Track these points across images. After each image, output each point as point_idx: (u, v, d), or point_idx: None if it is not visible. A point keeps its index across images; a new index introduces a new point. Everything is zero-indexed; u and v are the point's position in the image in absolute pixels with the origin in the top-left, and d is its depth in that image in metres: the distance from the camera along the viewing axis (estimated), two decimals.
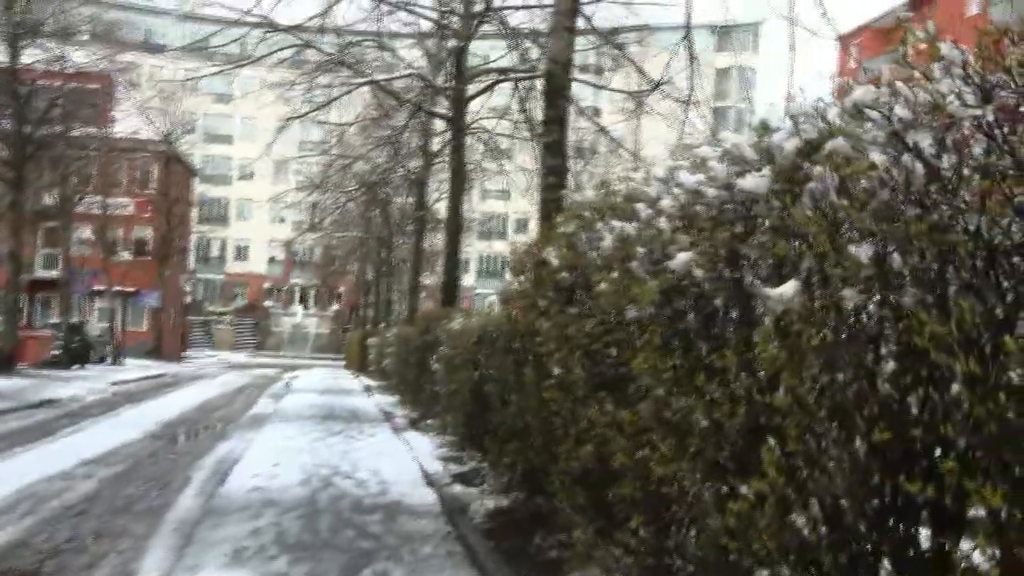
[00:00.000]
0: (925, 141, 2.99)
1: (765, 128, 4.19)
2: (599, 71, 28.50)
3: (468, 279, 75.78)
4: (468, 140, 29.83)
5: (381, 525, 10.26)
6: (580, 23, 19.01)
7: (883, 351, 3.22)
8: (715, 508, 4.46)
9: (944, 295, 2.90)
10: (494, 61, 29.45)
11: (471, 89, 27.35)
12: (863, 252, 3.15)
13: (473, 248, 77.35)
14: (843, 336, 3.32)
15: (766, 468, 3.73)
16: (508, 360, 10.08)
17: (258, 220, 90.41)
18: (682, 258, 4.61)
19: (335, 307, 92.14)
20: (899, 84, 3.16)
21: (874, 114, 3.17)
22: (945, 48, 3.00)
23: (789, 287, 3.52)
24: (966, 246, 2.81)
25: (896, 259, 3.06)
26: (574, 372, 6.85)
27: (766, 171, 3.97)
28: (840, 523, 3.47)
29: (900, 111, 3.14)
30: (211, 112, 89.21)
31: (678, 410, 4.91)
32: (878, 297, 3.14)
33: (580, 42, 22.52)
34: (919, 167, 3.01)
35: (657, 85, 18.89)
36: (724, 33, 47.50)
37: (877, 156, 3.08)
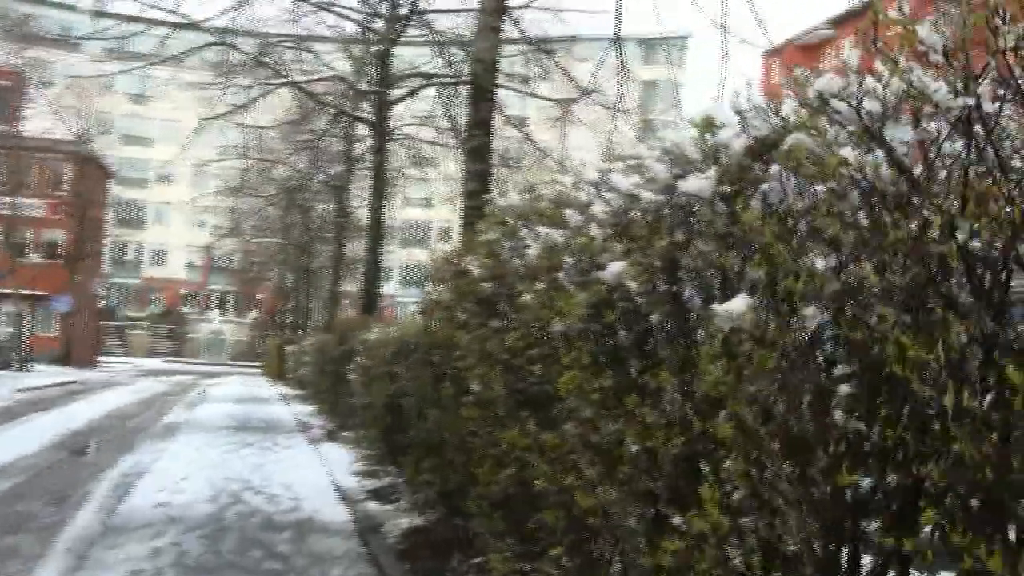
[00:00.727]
0: (904, 136, 2.60)
1: (709, 125, 3.77)
2: (526, 80, 28.21)
3: (390, 287, 75.24)
4: (391, 146, 29.37)
5: (290, 544, 9.75)
6: (510, 29, 18.74)
7: (850, 379, 2.81)
8: (647, 545, 4.04)
9: (928, 314, 2.50)
10: (420, 67, 28.97)
11: (395, 94, 26.88)
12: (827, 263, 2.74)
13: (396, 256, 76.60)
14: (802, 360, 2.90)
15: (706, 505, 3.33)
16: (426, 374, 9.62)
17: (176, 224, 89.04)
18: (614, 268, 4.19)
19: (254, 314, 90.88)
20: (869, 74, 2.76)
21: (841, 106, 2.77)
22: (923, 31, 2.61)
23: (739, 302, 3.11)
24: (955, 257, 2.40)
25: (866, 271, 2.65)
26: (494, 389, 6.40)
27: (711, 172, 3.57)
28: (793, 571, 3.06)
29: (870, 104, 2.74)
30: (129, 113, 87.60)
31: (607, 434, 4.49)
32: (846, 316, 2.72)
33: (508, 50, 22.31)
34: (895, 166, 2.61)
35: (585, 92, 18.60)
36: (651, 47, 47.67)
37: (849, 153, 2.68)
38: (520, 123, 28.03)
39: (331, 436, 20.26)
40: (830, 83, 2.80)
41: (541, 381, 5.56)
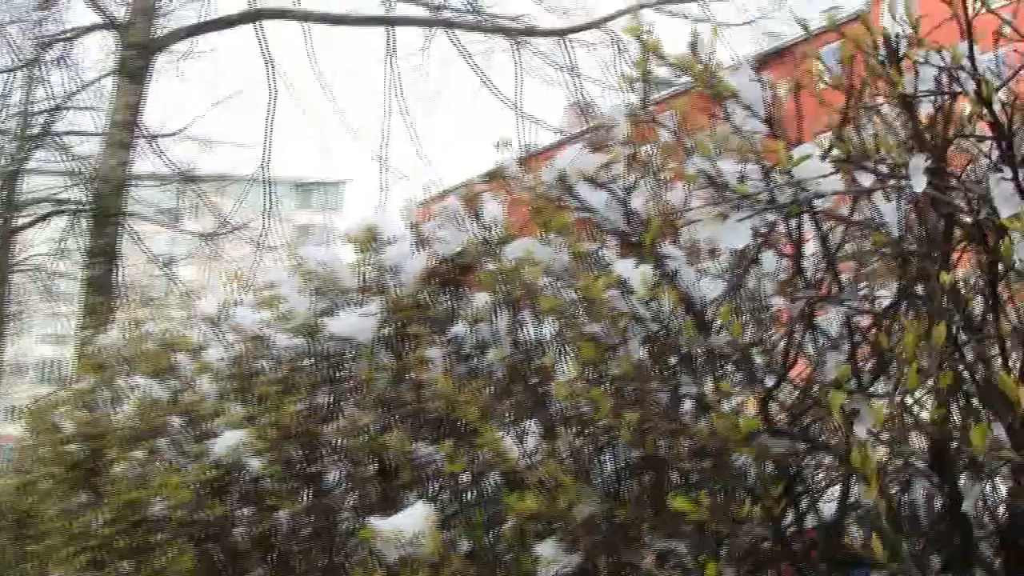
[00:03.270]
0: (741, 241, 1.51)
1: (370, 239, 2.60)
2: (178, 216, 26.61)
3: (19, 428, 69.61)
4: (17, 278, 26.75)
5: None
6: (154, 160, 17.36)
7: None
8: None
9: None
10: (57, 193, 26.61)
11: (23, 221, 24.55)
12: (572, 457, 1.60)
13: (27, 394, 71.01)
14: None
15: None
16: (13, 547, 7.83)
17: None
18: (229, 440, 2.92)
19: None
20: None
21: (600, 198, 1.65)
22: (738, 80, 1.57)
23: (414, 515, 1.90)
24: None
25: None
26: None
27: (373, 307, 2.39)
28: None
29: (640, 200, 1.65)
30: None
31: None
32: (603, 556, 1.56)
33: (156, 184, 20.82)
34: (685, 305, 1.52)
35: (230, 227, 17.39)
36: (307, 191, 47.64)
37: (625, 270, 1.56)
38: (168, 262, 26.32)
39: None
40: (583, 160, 1.69)
41: None
